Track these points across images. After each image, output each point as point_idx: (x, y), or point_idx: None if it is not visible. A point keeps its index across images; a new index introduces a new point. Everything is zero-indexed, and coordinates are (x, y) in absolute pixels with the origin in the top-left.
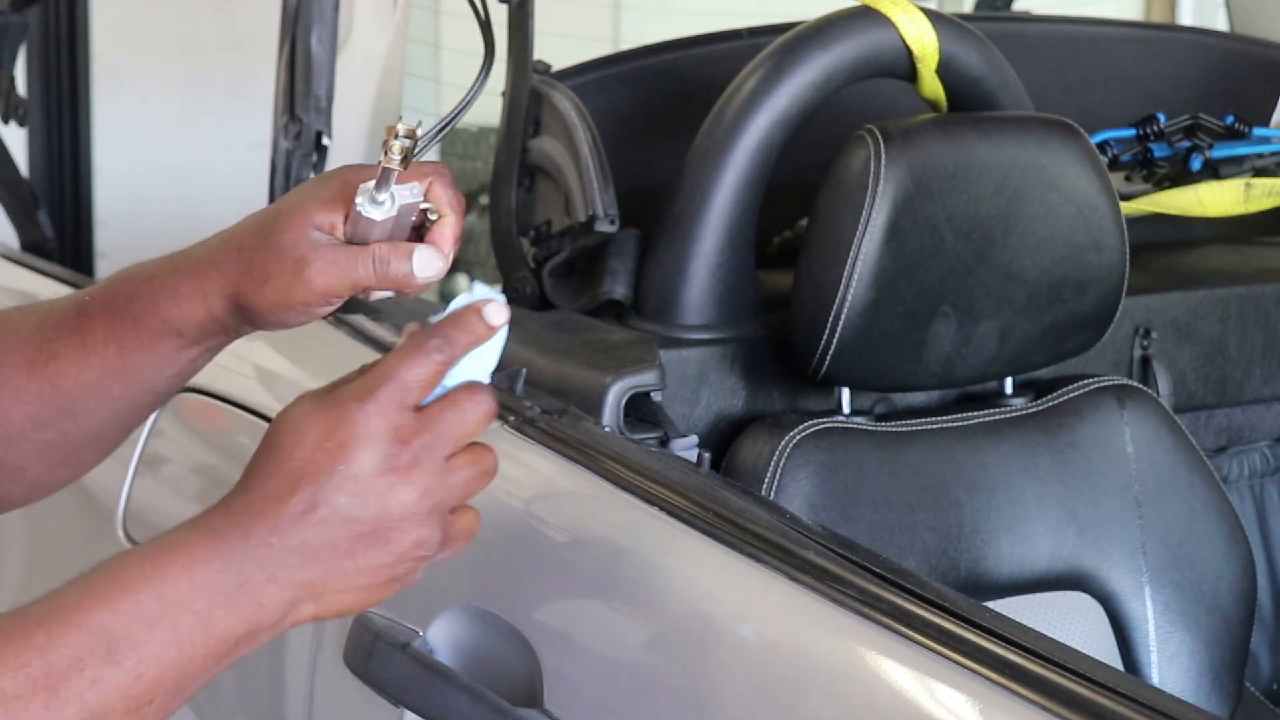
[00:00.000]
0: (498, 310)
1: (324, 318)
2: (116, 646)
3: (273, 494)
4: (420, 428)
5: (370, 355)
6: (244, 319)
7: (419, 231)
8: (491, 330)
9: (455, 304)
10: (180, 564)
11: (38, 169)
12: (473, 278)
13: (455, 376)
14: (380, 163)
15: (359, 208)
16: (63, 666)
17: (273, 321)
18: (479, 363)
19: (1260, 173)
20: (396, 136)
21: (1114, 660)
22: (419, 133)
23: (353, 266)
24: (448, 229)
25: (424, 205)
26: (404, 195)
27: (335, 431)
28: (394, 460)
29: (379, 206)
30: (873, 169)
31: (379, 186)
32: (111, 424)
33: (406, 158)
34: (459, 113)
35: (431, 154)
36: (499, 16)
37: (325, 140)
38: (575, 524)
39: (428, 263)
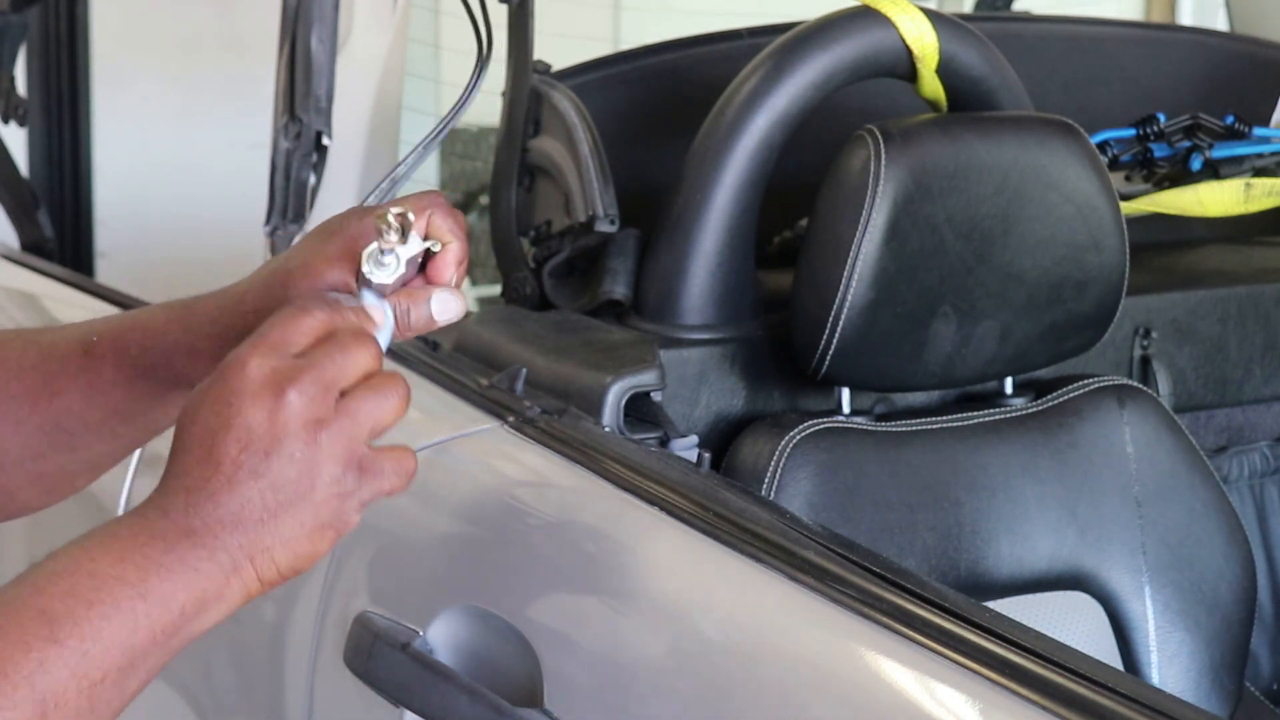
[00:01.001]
0: (383, 316)
1: None
2: (58, 626)
3: (182, 469)
4: (301, 366)
5: None
6: None
7: (424, 260)
8: (374, 327)
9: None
10: (106, 546)
11: (38, 169)
12: (366, 287)
13: None
14: (379, 243)
15: (369, 274)
16: (8, 652)
17: None
18: None
19: (1260, 173)
20: (389, 227)
21: (1114, 660)
22: (410, 220)
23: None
24: (450, 255)
25: (426, 245)
26: (407, 253)
27: (222, 393)
28: (279, 405)
29: (386, 268)
30: (873, 169)
31: (383, 252)
32: (110, 456)
33: (405, 232)
34: (457, 111)
35: (430, 154)
36: (499, 17)
37: (325, 140)
38: (575, 524)
39: (446, 306)
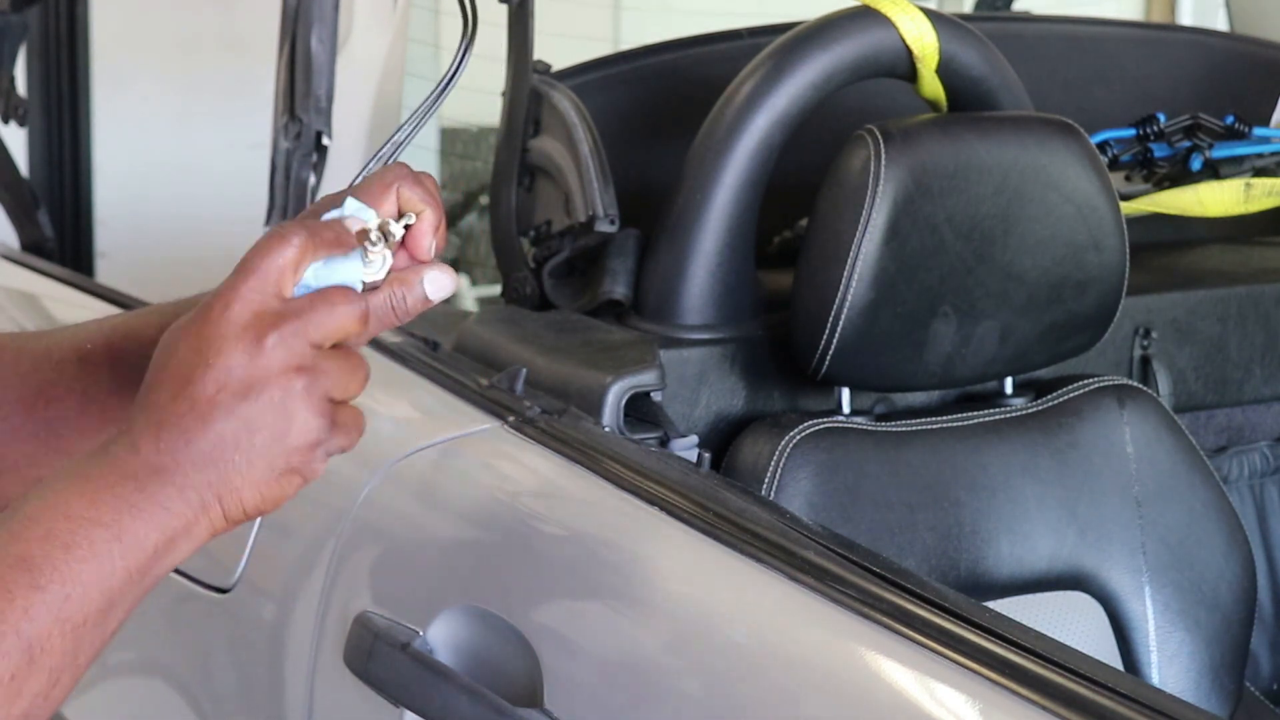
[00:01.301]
0: (358, 223)
1: None
2: (39, 572)
3: (155, 405)
4: (285, 311)
5: (371, 354)
6: None
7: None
8: (353, 240)
9: (325, 217)
10: (77, 488)
11: (38, 169)
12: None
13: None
14: (368, 253)
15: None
16: None
17: None
18: (349, 275)
19: (1260, 173)
20: (373, 243)
21: (1114, 660)
22: (391, 228)
23: (374, 318)
24: (425, 224)
25: (404, 223)
26: (392, 239)
27: (202, 331)
28: (261, 349)
29: (374, 264)
30: (873, 169)
31: (368, 250)
32: None
33: (387, 238)
34: (450, 80)
35: (430, 154)
36: (499, 16)
37: (325, 140)
38: (575, 524)
39: (438, 284)
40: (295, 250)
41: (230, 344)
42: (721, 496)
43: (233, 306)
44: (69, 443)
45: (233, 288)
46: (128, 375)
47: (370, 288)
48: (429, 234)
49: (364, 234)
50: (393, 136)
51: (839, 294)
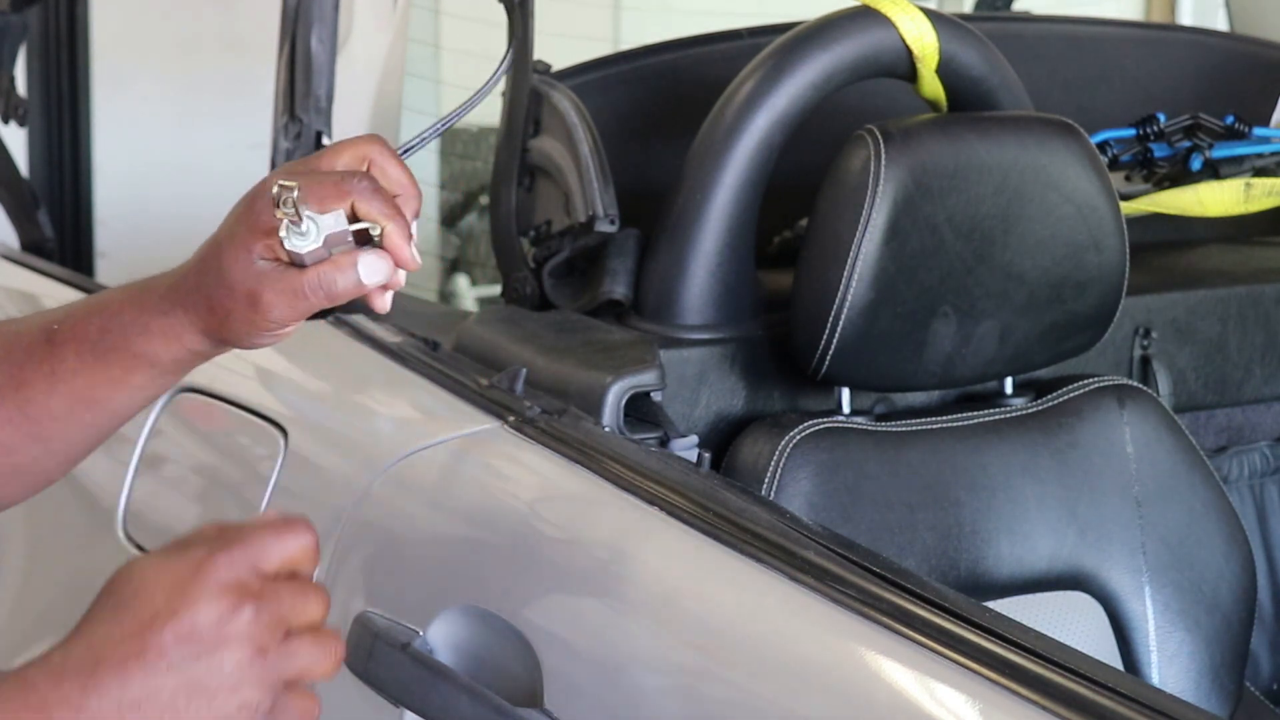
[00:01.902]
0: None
1: (325, 318)
2: None
3: (100, 638)
4: (266, 590)
5: (371, 354)
6: (222, 346)
7: (372, 244)
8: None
9: None
10: None
11: (38, 169)
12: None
13: None
14: (277, 215)
15: (288, 244)
16: None
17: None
18: None
19: (1260, 173)
20: (279, 204)
21: (1114, 660)
22: (295, 192)
23: (301, 294)
24: (396, 237)
25: (359, 227)
26: (328, 224)
27: (180, 576)
28: (233, 615)
29: (306, 236)
30: (873, 169)
31: (293, 223)
32: (80, 447)
33: (296, 206)
34: (469, 105)
35: (430, 154)
36: (499, 16)
37: (325, 140)
38: (575, 524)
39: (372, 268)
40: (296, 550)
41: (204, 600)
42: (721, 496)
43: (220, 566)
44: (43, 427)
45: (224, 549)
46: (91, 352)
47: (304, 259)
48: (404, 246)
49: (271, 191)
50: (433, 126)
51: (839, 294)
